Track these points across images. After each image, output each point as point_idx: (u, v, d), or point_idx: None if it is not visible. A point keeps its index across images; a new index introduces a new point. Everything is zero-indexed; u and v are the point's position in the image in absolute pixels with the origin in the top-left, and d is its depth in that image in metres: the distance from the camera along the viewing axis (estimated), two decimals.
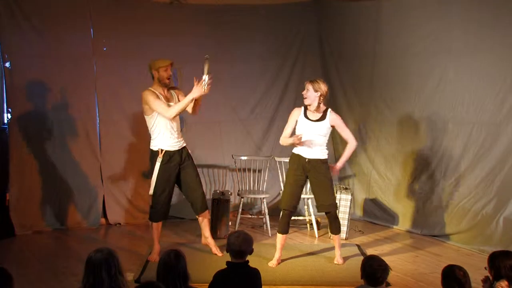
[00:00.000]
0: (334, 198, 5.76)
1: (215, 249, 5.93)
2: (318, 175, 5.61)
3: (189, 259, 3.54)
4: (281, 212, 5.70)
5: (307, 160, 5.60)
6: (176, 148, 5.69)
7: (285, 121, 8.19)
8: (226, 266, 3.77)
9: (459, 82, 6.58)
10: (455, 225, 6.60)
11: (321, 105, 5.63)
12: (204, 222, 5.94)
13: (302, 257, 5.89)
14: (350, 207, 6.82)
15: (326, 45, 8.27)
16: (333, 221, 5.74)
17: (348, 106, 8.02)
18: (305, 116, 5.66)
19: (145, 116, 5.69)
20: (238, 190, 7.25)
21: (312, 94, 5.58)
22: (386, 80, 7.46)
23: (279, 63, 8.23)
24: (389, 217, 7.47)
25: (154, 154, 5.67)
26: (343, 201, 6.80)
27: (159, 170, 5.62)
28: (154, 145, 5.68)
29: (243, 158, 7.35)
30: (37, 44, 6.97)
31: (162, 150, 5.63)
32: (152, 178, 5.64)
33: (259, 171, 7.40)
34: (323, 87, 5.57)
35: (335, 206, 5.71)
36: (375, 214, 7.69)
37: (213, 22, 7.83)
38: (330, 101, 8.20)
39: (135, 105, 7.46)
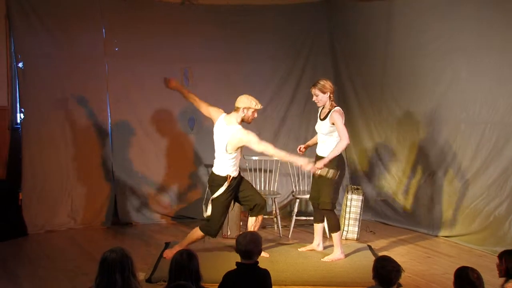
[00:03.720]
0: (328, 196, 5.73)
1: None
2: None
3: (200, 259, 3.54)
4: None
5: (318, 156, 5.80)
6: (237, 173, 5.71)
7: (295, 122, 8.27)
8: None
9: (471, 82, 6.54)
10: (467, 226, 6.57)
11: (333, 103, 5.71)
12: (255, 228, 5.82)
13: (313, 258, 5.87)
14: (361, 208, 6.81)
15: (337, 45, 8.24)
16: (326, 219, 5.91)
17: (359, 106, 8.00)
18: (319, 114, 5.85)
19: (228, 149, 5.54)
20: None
21: (323, 97, 5.68)
22: (398, 80, 7.43)
23: (289, 63, 8.22)
24: (401, 218, 7.44)
25: (222, 179, 5.58)
26: (354, 201, 6.79)
27: (224, 195, 5.58)
28: (222, 171, 5.59)
29: (254, 158, 7.34)
30: (49, 44, 7.02)
31: (230, 176, 5.58)
32: (213, 201, 5.61)
33: (270, 171, 7.40)
34: (328, 86, 5.68)
35: (325, 204, 5.75)
36: (386, 215, 7.66)
37: (224, 22, 7.84)
38: (341, 101, 8.23)
39: (147, 105, 7.52)
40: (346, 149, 8.11)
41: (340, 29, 8.19)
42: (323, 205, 5.78)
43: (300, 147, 6.10)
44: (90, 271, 5.04)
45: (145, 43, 7.48)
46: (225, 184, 5.57)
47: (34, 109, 6.93)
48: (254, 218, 5.84)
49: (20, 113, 6.96)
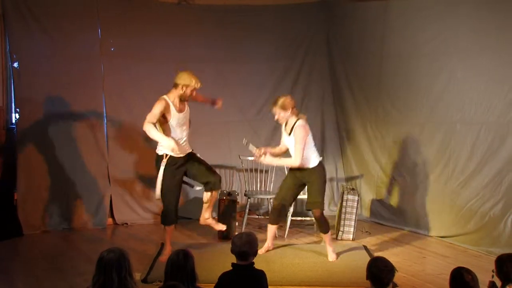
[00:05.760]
0: (316, 198, 5.74)
1: (217, 226, 6.06)
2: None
3: (196, 259, 3.54)
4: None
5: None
6: (182, 155, 5.67)
7: None
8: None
9: (467, 83, 6.55)
10: (462, 226, 6.58)
11: (295, 115, 5.67)
12: (210, 202, 5.88)
13: (309, 258, 5.88)
14: (357, 208, 6.81)
15: (334, 46, 8.25)
16: (316, 221, 5.89)
17: (356, 106, 8.01)
18: (284, 128, 5.81)
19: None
20: (245, 191, 7.25)
21: (286, 114, 5.61)
22: (394, 81, 7.44)
23: (286, 63, 8.22)
24: (396, 218, 7.45)
25: (159, 158, 5.63)
26: (350, 201, 6.79)
27: (164, 174, 5.59)
28: (160, 149, 5.62)
29: (250, 158, 7.34)
30: (45, 44, 7.00)
31: (167, 155, 5.57)
32: (157, 182, 5.62)
33: (266, 171, 7.40)
34: (288, 103, 5.57)
35: (313, 205, 5.76)
36: (382, 215, 7.67)
37: (221, 22, 7.83)
38: (338, 102, 8.25)
39: (143, 105, 7.45)
40: (342, 148, 8.27)
41: (337, 30, 8.20)
42: (312, 205, 5.80)
43: (265, 151, 5.83)
44: (85, 272, 5.04)
45: (141, 43, 7.47)
46: (162, 163, 5.55)
47: (29, 109, 6.91)
48: (208, 193, 5.84)
49: (15, 113, 6.95)
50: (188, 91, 5.51)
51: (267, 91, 8.17)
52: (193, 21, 7.72)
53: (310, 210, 5.97)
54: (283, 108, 5.57)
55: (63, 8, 7.05)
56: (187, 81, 5.49)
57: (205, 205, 5.93)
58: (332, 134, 8.41)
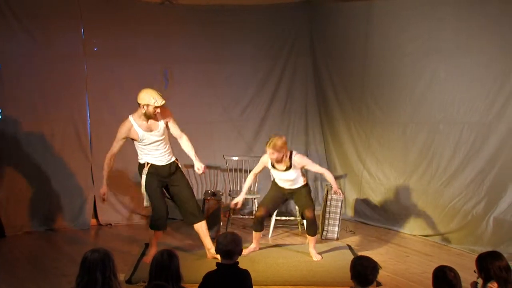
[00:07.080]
0: (308, 201, 5.94)
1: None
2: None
3: (181, 259, 3.54)
4: None
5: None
6: (163, 163, 5.65)
7: (276, 121, 8.28)
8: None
9: (450, 83, 6.60)
10: (445, 225, 6.63)
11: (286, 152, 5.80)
12: (201, 234, 5.86)
13: (293, 257, 5.89)
14: (341, 207, 6.83)
15: (317, 46, 8.27)
16: (308, 222, 5.97)
17: (339, 106, 8.03)
18: (272, 165, 5.88)
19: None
20: (229, 190, 7.25)
21: (281, 154, 5.69)
22: (377, 81, 7.47)
23: (270, 63, 8.23)
24: (380, 217, 7.48)
25: (141, 167, 5.66)
26: (334, 201, 6.80)
27: (147, 182, 5.60)
28: (141, 159, 5.68)
29: (234, 158, 7.35)
30: (27, 44, 6.94)
31: (148, 163, 5.60)
32: (142, 191, 5.64)
33: (250, 171, 7.38)
34: (280, 144, 5.63)
35: (306, 206, 5.91)
36: (366, 214, 7.70)
37: (205, 22, 7.82)
38: (321, 102, 8.28)
39: (126, 105, 7.42)
40: (326, 148, 8.31)
41: (320, 29, 8.21)
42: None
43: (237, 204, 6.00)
44: (69, 273, 5.02)
45: (125, 43, 7.43)
46: (144, 171, 5.60)
47: (12, 110, 6.85)
48: (197, 227, 5.82)
49: None
50: (151, 110, 5.43)
51: (251, 91, 8.18)
52: (176, 21, 7.69)
53: (303, 214, 6.01)
54: (284, 147, 5.66)
55: (46, 8, 6.99)
56: (146, 101, 5.42)
57: (200, 236, 5.88)
58: (316, 134, 8.44)
